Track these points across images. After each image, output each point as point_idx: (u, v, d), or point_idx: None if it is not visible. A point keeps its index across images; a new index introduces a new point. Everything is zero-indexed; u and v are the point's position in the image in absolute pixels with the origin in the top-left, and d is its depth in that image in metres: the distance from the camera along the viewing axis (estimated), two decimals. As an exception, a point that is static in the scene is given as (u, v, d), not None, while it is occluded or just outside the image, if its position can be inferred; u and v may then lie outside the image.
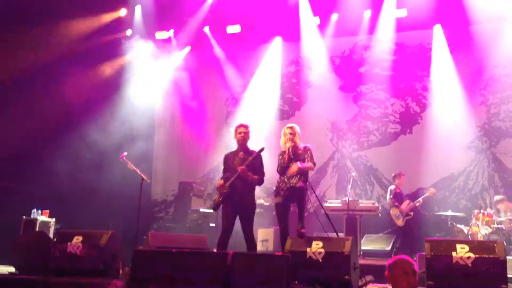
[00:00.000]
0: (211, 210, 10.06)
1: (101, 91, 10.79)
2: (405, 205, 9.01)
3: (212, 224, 9.95)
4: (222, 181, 5.92)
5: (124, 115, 10.80)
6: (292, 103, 11.88)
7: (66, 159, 9.73)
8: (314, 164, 6.03)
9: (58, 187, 9.42)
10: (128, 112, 10.83)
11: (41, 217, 8.51)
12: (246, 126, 6.11)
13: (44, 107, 9.76)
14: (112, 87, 10.94)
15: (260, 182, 5.98)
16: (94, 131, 10.13)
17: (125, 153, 7.49)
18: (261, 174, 5.98)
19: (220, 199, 5.83)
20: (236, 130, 6.13)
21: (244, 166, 5.79)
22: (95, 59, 10.82)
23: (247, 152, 6.01)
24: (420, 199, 9.09)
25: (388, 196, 9.21)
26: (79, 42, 10.27)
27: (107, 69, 11.12)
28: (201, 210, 10.28)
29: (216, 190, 5.97)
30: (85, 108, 10.37)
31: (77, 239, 5.74)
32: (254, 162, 5.88)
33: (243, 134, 6.05)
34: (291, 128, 6.08)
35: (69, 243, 5.72)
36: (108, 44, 10.96)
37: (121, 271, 5.87)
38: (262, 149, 5.94)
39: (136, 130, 10.91)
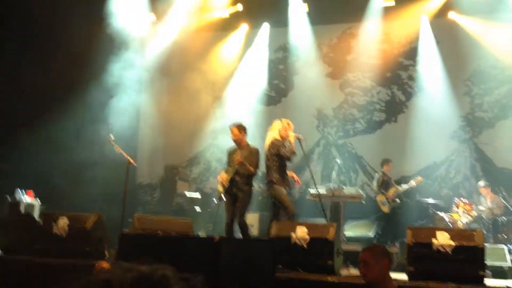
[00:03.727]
0: (197, 194, 10.40)
1: (86, 69, 10.66)
2: (392, 192, 9.13)
3: (198, 208, 10.01)
4: (224, 175, 6.55)
5: (110, 96, 10.71)
6: (279, 89, 11.91)
7: (49, 139, 9.65)
8: None
9: (41, 169, 9.35)
10: (113, 93, 10.74)
11: (26, 197, 8.47)
12: (231, 129, 6.69)
13: (28, 84, 9.63)
14: (97, 67, 10.81)
15: (254, 173, 6.55)
16: (79, 110, 10.03)
17: (111, 135, 7.45)
18: (256, 167, 6.52)
19: (222, 191, 6.53)
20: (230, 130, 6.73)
21: (241, 160, 6.32)
22: (82, 43, 10.66)
23: (245, 148, 6.58)
24: (406, 186, 9.22)
25: (375, 183, 9.32)
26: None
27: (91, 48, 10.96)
28: (187, 193, 10.34)
29: (218, 183, 6.64)
30: (70, 87, 10.24)
31: (63, 221, 5.76)
32: (251, 159, 6.43)
33: (232, 136, 6.67)
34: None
35: (54, 225, 5.73)
36: (97, 27, 10.79)
37: (106, 254, 5.91)
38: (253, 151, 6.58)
39: (121, 111, 10.83)
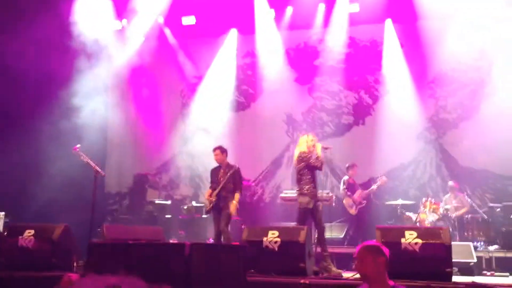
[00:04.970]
0: (169, 202, 10.38)
1: (50, 80, 10.45)
2: (358, 194, 9.28)
3: (168, 216, 9.92)
4: (210, 191, 7.27)
5: (76, 103, 10.52)
6: (247, 94, 11.94)
7: (14, 152, 9.40)
8: None
9: (5, 179, 9.10)
10: (79, 100, 10.55)
11: (-11, 211, 8.21)
12: (215, 152, 7.41)
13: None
14: (62, 77, 10.62)
15: (241, 191, 7.36)
16: (44, 121, 9.82)
17: (78, 145, 7.32)
18: (239, 187, 7.29)
19: (210, 206, 7.19)
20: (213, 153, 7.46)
21: (234, 211, 7.13)
22: (44, 50, 10.45)
23: (227, 167, 7.35)
24: (374, 186, 9.37)
25: (342, 187, 9.46)
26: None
27: (56, 57, 10.75)
28: (156, 201, 10.24)
29: (206, 199, 7.42)
30: (35, 97, 10.03)
31: (29, 233, 5.62)
32: (234, 176, 7.21)
33: (215, 157, 7.41)
34: None
35: (20, 237, 5.60)
36: (57, 32, 10.59)
37: (75, 265, 5.79)
38: (236, 169, 7.29)
39: (88, 120, 10.64)
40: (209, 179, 7.59)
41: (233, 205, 7.09)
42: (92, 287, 1.07)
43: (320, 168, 6.80)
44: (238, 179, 7.32)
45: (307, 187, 6.67)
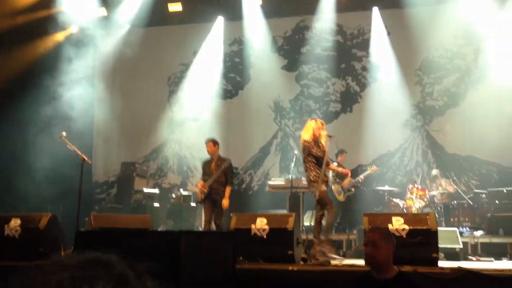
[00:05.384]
0: (157, 190, 10.34)
1: (35, 67, 10.30)
2: (347, 181, 9.29)
3: (156, 204, 9.89)
4: (202, 182, 7.28)
5: (61, 92, 10.40)
6: (235, 82, 11.89)
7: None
8: None
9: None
10: (65, 89, 10.43)
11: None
12: (207, 144, 7.39)
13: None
14: (47, 64, 10.47)
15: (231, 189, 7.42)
16: (29, 110, 9.69)
17: (63, 133, 7.23)
18: (231, 181, 7.39)
19: (203, 196, 7.24)
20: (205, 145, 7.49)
21: (227, 205, 7.18)
22: (27, 35, 10.27)
23: (219, 159, 7.38)
24: (362, 176, 9.40)
25: (330, 173, 9.46)
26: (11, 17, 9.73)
27: (41, 46, 10.60)
28: (145, 190, 10.19)
29: (198, 190, 7.47)
30: (20, 84, 9.88)
31: (15, 222, 5.56)
32: (227, 170, 7.24)
33: (207, 149, 7.41)
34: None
35: (6, 226, 5.53)
36: (42, 20, 10.42)
37: (62, 254, 5.76)
38: (229, 163, 7.31)
39: (74, 108, 10.53)
40: (198, 168, 7.62)
41: (226, 201, 7.16)
42: None
43: (322, 157, 6.64)
44: (230, 172, 7.37)
45: (313, 174, 6.55)
